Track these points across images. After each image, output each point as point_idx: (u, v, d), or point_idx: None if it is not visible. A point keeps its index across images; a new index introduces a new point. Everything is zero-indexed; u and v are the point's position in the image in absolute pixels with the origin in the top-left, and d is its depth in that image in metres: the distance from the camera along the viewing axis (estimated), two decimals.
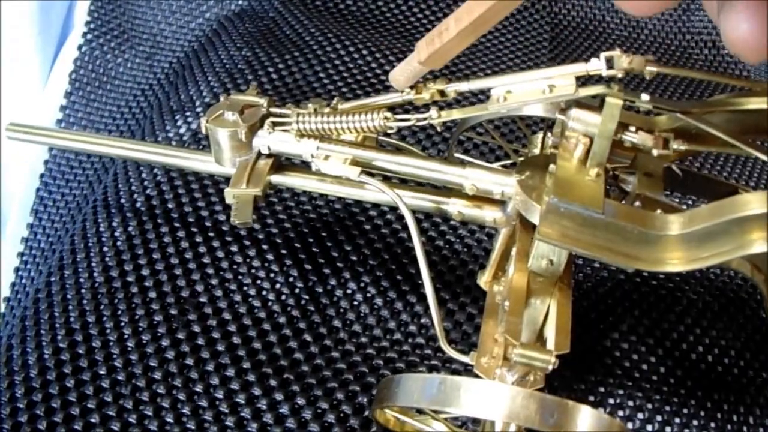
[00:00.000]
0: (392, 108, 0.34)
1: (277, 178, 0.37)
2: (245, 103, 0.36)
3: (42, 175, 0.59)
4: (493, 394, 0.27)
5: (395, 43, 0.58)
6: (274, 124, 0.36)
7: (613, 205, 0.29)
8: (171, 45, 0.63)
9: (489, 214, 0.35)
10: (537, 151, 0.44)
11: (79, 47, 0.62)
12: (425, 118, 0.34)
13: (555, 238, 0.29)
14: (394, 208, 0.46)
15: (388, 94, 0.35)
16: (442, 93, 0.34)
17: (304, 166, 0.37)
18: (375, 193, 0.36)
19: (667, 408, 0.40)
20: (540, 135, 0.44)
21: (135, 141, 0.43)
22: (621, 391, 0.40)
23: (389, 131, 0.34)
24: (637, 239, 0.29)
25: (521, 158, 0.46)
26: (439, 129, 0.36)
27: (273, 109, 0.36)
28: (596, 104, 0.32)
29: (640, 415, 0.40)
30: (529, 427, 0.27)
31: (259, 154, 0.36)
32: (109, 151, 0.41)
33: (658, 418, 0.40)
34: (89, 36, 0.63)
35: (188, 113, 0.52)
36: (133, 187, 0.47)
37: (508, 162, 0.47)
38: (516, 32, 0.62)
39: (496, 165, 0.39)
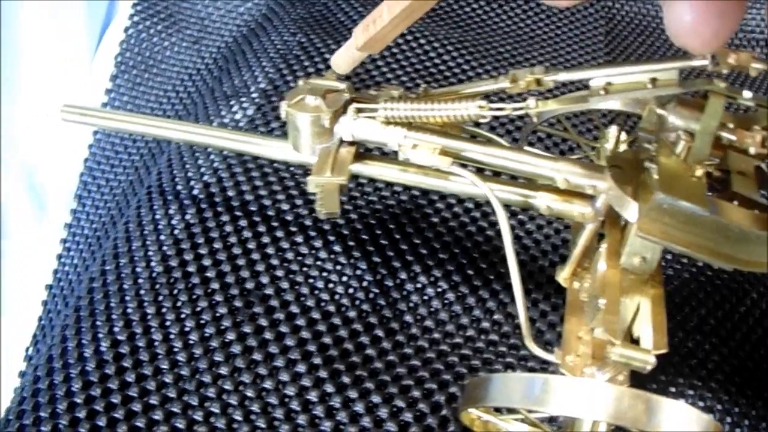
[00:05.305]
0: (486, 96, 0.33)
1: (357, 167, 0.35)
2: (326, 88, 0.35)
3: (86, 160, 0.57)
4: (600, 395, 0.26)
5: (452, 33, 0.57)
6: (359, 110, 0.34)
7: (716, 202, 0.28)
8: (219, 29, 0.61)
9: (578, 209, 0.34)
10: (609, 145, 0.43)
11: (126, 30, 0.61)
12: (521, 108, 0.32)
13: (656, 235, 0.28)
14: (461, 200, 0.44)
15: (479, 82, 0.34)
16: (538, 82, 0.33)
17: (384, 155, 0.36)
18: (459, 185, 0.35)
19: (737, 410, 0.39)
20: (612, 129, 0.43)
21: (201, 125, 0.41)
22: (691, 392, 0.40)
23: (483, 120, 0.33)
24: (737, 238, 0.28)
25: (593, 152, 0.45)
26: (535, 119, 0.35)
27: (355, 95, 0.35)
28: (692, 101, 0.31)
29: (710, 417, 0.39)
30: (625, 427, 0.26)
31: (341, 142, 0.35)
32: (172, 134, 0.40)
33: (728, 419, 0.39)
34: (136, 18, 0.61)
35: (243, 98, 0.50)
36: (190, 174, 0.45)
37: (578, 156, 0.46)
38: (571, 25, 0.61)
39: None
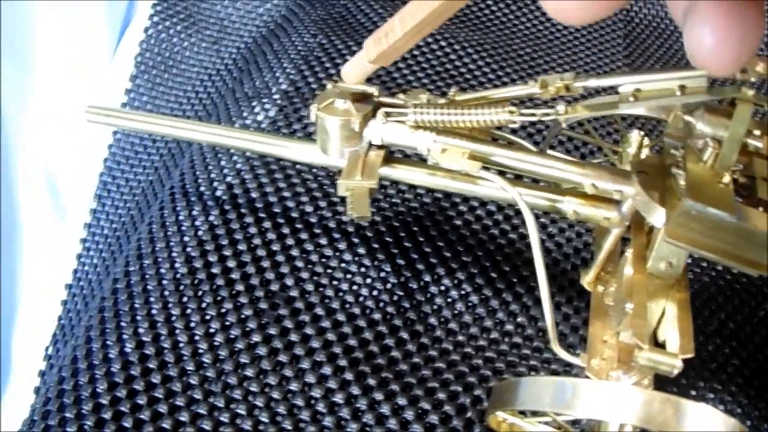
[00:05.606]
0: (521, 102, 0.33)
1: (386, 171, 0.35)
2: (355, 92, 0.35)
3: (106, 160, 0.57)
4: (630, 399, 0.27)
5: (472, 36, 0.57)
6: (388, 114, 0.34)
7: (742, 209, 0.28)
8: (238, 30, 0.61)
9: (604, 214, 0.34)
10: (631, 149, 0.43)
11: (146, 30, 0.61)
12: (550, 114, 0.33)
13: (684, 241, 0.29)
14: (484, 203, 0.45)
15: (509, 87, 0.34)
16: (567, 88, 0.33)
17: (412, 159, 0.36)
18: (487, 189, 0.35)
19: (756, 413, 0.40)
20: (634, 133, 0.43)
21: (228, 127, 0.42)
22: (712, 395, 0.40)
23: (512, 126, 0.33)
24: (762, 244, 0.28)
25: (615, 156, 0.45)
26: (564, 125, 0.35)
27: (384, 99, 0.35)
28: (720, 108, 0.31)
29: (736, 420, 0.39)
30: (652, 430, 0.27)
31: (370, 145, 0.35)
32: (200, 137, 0.39)
33: (748, 423, 0.39)
34: (156, 18, 0.61)
35: (265, 100, 0.50)
36: (213, 175, 0.45)
37: (600, 160, 0.46)
38: (590, 28, 0.61)
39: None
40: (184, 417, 0.36)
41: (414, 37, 0.30)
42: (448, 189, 0.36)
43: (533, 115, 0.33)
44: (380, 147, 0.35)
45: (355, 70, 0.33)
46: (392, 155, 0.36)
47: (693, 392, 0.40)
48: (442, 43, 0.55)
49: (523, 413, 0.34)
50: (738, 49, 0.21)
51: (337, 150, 0.35)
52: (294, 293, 0.40)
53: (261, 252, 0.42)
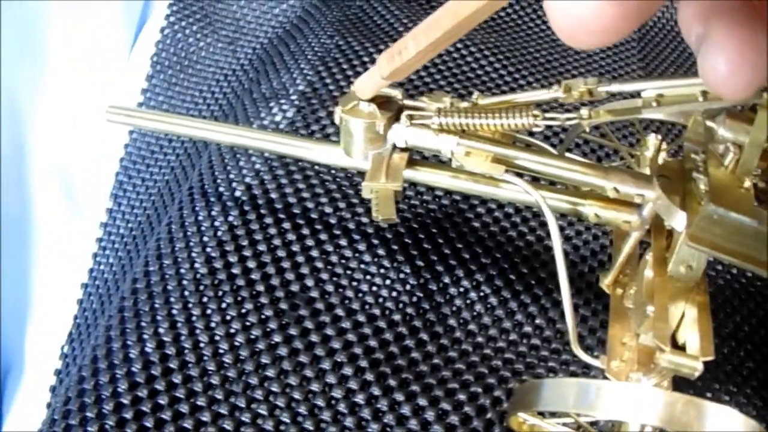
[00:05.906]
0: (538, 105, 0.34)
1: (409, 173, 0.36)
2: (379, 94, 0.35)
3: (122, 159, 0.58)
4: (654, 400, 0.27)
5: (488, 38, 0.58)
6: (411, 117, 0.34)
7: (761, 213, 0.29)
8: (254, 31, 0.61)
9: (625, 217, 0.35)
10: (649, 153, 0.43)
11: (162, 30, 0.61)
12: (574, 118, 0.33)
13: (705, 245, 0.29)
14: (501, 205, 0.45)
15: (533, 91, 0.34)
16: (591, 92, 0.33)
17: (435, 162, 0.36)
18: (510, 192, 0.35)
19: None
20: (651, 137, 0.43)
21: (251, 128, 0.42)
22: (727, 398, 0.40)
23: (536, 130, 0.33)
24: None
25: (632, 160, 0.45)
26: (587, 129, 0.35)
27: (407, 102, 0.35)
28: (741, 114, 0.31)
29: (755, 422, 0.39)
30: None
31: (394, 148, 0.35)
32: (222, 137, 0.40)
33: (763, 425, 0.39)
34: (172, 18, 0.61)
35: (282, 101, 0.50)
36: (232, 175, 0.45)
37: (617, 163, 0.47)
38: None
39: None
40: (205, 417, 0.36)
41: (427, 55, 0.30)
42: (470, 192, 0.36)
43: (556, 119, 0.33)
44: (404, 149, 0.35)
45: (368, 85, 0.34)
46: (418, 158, 0.36)
47: (708, 394, 0.40)
48: (458, 45, 0.55)
49: (542, 414, 0.35)
50: (752, 77, 0.22)
51: (360, 152, 0.36)
52: (314, 294, 0.40)
53: (281, 253, 0.42)
